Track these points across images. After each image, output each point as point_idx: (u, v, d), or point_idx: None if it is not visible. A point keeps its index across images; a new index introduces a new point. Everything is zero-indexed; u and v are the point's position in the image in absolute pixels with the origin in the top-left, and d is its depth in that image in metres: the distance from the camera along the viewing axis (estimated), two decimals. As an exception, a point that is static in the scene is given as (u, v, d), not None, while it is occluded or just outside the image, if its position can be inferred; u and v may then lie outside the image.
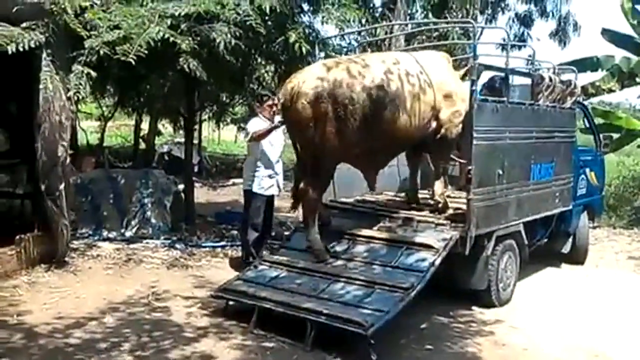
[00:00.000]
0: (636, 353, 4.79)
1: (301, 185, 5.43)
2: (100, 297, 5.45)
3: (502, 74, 5.88)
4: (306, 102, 5.09)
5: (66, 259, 6.41)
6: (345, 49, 7.67)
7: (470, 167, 5.22)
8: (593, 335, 5.11)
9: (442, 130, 5.70)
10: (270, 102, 6.58)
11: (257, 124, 6.50)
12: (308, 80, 5.14)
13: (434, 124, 5.64)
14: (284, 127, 6.65)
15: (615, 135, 11.18)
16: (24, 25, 5.58)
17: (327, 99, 5.05)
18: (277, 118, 6.57)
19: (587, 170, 7.69)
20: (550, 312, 5.70)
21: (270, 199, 6.58)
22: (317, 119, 5.09)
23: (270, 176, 6.50)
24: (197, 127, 13.23)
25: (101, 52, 5.64)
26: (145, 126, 15.97)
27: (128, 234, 7.83)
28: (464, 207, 5.36)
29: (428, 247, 5.12)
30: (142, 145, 15.64)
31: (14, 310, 5.03)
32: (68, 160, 6.42)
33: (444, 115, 5.64)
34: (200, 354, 4.32)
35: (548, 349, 4.80)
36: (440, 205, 5.82)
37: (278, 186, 6.60)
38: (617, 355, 4.73)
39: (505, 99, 5.66)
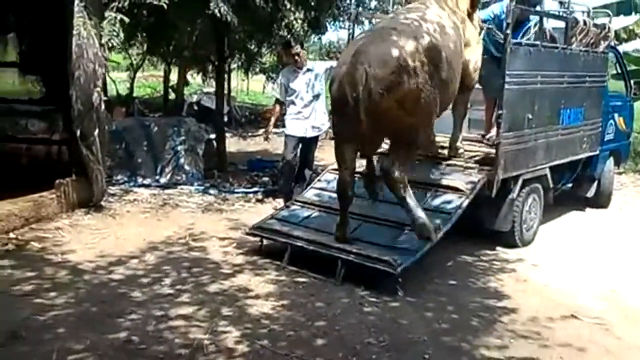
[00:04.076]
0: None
1: (390, 173, 4.57)
2: (140, 237, 5.69)
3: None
4: (384, 89, 4.29)
5: (103, 203, 6.65)
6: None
7: (500, 112, 5.25)
8: (612, 273, 5.26)
9: (465, 82, 5.36)
10: (292, 51, 6.85)
11: (284, 76, 6.92)
12: (378, 61, 4.32)
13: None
14: (316, 71, 6.80)
15: (646, 82, 10.98)
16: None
17: (407, 77, 4.33)
18: (310, 64, 6.83)
19: (616, 115, 7.64)
20: (571, 252, 5.83)
21: (305, 142, 6.87)
22: (402, 100, 4.36)
23: (297, 119, 6.81)
24: (226, 76, 13.28)
25: None
26: (173, 76, 16.04)
27: (162, 180, 8.06)
28: (492, 150, 5.43)
29: (455, 189, 5.23)
30: (172, 95, 15.76)
31: (58, 250, 5.27)
32: (103, 107, 6.61)
33: (466, 66, 5.29)
34: (237, 287, 4.56)
35: (566, 284, 4.96)
36: (459, 151, 5.83)
37: (313, 128, 6.85)
38: (634, 290, 4.88)
39: (538, 42, 5.64)
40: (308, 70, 6.83)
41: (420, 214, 4.61)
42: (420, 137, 4.67)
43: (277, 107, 7.16)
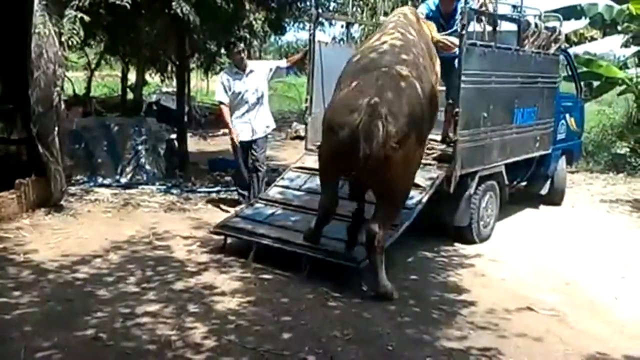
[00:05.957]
0: (603, 281, 5.20)
1: (372, 228, 4.38)
2: (103, 237, 5.66)
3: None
4: (396, 140, 4.19)
5: (64, 203, 6.59)
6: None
7: (457, 110, 5.43)
8: (566, 267, 5.49)
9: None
10: (237, 50, 6.89)
11: (226, 75, 6.85)
12: (391, 113, 4.20)
13: None
14: (259, 72, 6.78)
15: (596, 83, 11.42)
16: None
17: (414, 120, 4.35)
18: (251, 65, 6.84)
19: (567, 116, 7.92)
20: (526, 247, 6.05)
21: (254, 144, 6.81)
22: (407, 151, 4.33)
23: (244, 122, 6.77)
24: (186, 76, 13.18)
25: None
26: (131, 76, 15.85)
27: (123, 180, 8.03)
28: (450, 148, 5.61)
29: (416, 185, 5.32)
30: (130, 95, 15.56)
31: (21, 250, 5.23)
32: (62, 106, 6.53)
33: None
34: (203, 285, 4.60)
35: (524, 278, 5.18)
36: None
37: (260, 129, 6.82)
38: (586, 283, 5.12)
39: (493, 43, 5.84)
40: (251, 71, 6.78)
41: (385, 281, 4.48)
42: (402, 196, 4.68)
43: (225, 108, 6.87)
